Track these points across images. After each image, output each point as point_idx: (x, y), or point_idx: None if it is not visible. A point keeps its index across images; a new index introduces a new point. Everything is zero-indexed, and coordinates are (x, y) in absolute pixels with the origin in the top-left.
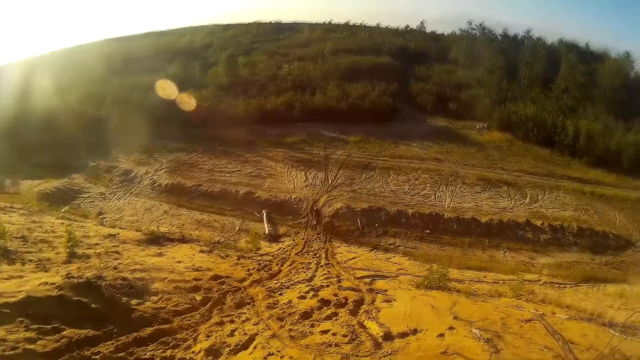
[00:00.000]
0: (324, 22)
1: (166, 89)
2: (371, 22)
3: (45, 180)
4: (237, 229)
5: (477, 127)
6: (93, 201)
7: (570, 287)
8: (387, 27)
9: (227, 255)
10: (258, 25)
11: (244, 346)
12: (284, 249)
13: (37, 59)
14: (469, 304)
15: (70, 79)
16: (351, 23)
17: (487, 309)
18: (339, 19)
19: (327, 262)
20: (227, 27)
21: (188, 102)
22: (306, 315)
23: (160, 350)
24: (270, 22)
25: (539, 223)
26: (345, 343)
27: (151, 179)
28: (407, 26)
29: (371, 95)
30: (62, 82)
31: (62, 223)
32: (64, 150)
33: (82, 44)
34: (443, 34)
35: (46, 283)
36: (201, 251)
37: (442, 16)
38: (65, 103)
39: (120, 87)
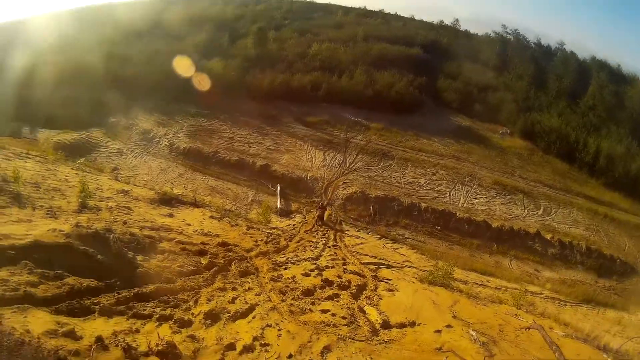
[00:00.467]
0: (358, 7)
1: (191, 55)
2: (405, 13)
3: (64, 131)
4: (249, 199)
5: (500, 131)
6: (109, 156)
7: (571, 305)
8: (421, 20)
9: (237, 224)
10: (291, 2)
11: (243, 314)
12: (294, 225)
13: (64, 13)
14: (469, 306)
15: (95, 36)
16: (385, 11)
17: (486, 313)
18: (373, 5)
19: (335, 243)
20: (259, 1)
21: (211, 70)
22: (308, 292)
23: (160, 308)
24: (303, 1)
25: (548, 236)
26: (343, 325)
27: (170, 140)
28: (441, 22)
29: (398, 85)
30: (86, 39)
31: (76, 174)
32: (85, 105)
33: (110, 3)
34: (477, 34)
35: (54, 230)
36: (212, 217)
37: (475, 17)
38: (89, 59)
39: (146, 49)
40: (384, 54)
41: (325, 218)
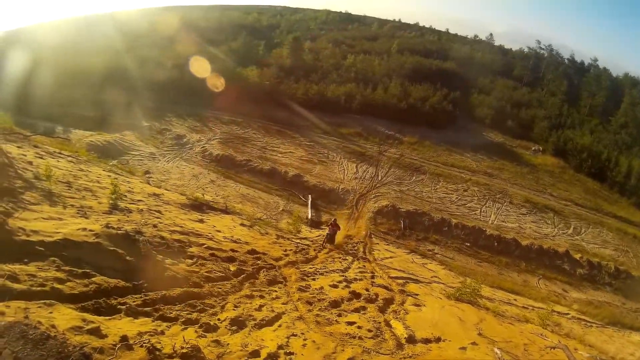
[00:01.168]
0: (393, 20)
1: (226, 62)
2: (440, 26)
3: (97, 132)
4: (280, 209)
5: (532, 148)
6: (142, 159)
7: (597, 327)
8: (455, 34)
9: (267, 233)
10: (327, 13)
11: (269, 322)
12: (323, 236)
13: (99, 17)
14: (495, 324)
15: (129, 41)
16: (420, 24)
17: (512, 332)
18: (408, 18)
19: (364, 256)
20: (295, 11)
21: (247, 78)
22: (335, 304)
23: (186, 312)
24: (339, 12)
25: (577, 256)
26: (369, 338)
27: (203, 147)
28: (476, 36)
29: (432, 99)
30: (120, 43)
31: (108, 175)
32: (118, 108)
33: (146, 8)
34: (511, 49)
35: (84, 229)
36: (242, 224)
37: (510, 31)
38: (122, 64)
39: (181, 55)
40: (418, 67)
41: (336, 240)
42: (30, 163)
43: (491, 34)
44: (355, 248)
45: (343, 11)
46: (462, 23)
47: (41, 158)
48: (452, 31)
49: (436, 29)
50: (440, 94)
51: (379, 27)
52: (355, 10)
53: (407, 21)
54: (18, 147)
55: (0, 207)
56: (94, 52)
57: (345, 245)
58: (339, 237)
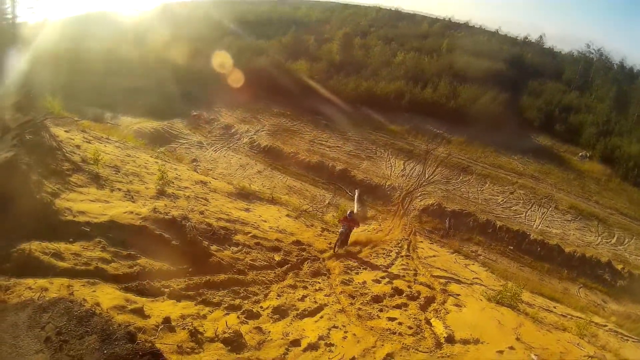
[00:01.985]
0: (444, 18)
1: (278, 55)
2: (491, 26)
3: (145, 119)
4: (326, 202)
5: (580, 154)
6: (189, 148)
7: (633, 341)
8: (506, 35)
9: (312, 225)
10: (378, 9)
11: (311, 313)
12: (368, 231)
13: (152, 9)
14: (533, 330)
15: (180, 32)
16: (471, 24)
17: (549, 339)
18: (459, 17)
19: (407, 254)
20: (346, 7)
21: (296, 72)
22: (377, 299)
23: (229, 298)
24: (390, 9)
25: (619, 267)
26: (409, 335)
27: (251, 137)
28: (526, 37)
29: (481, 99)
30: (174, 33)
31: (156, 162)
32: (168, 97)
33: (196, 1)
34: (560, 51)
35: (131, 212)
36: (288, 215)
37: (561, 33)
38: (172, 54)
39: (232, 46)
40: (468, 67)
41: (350, 241)
42: (78, 147)
43: (541, 36)
44: (400, 244)
45: (393, 8)
46: (514, 23)
47: (89, 143)
48: (502, 31)
49: (486, 28)
50: (490, 95)
51: (430, 25)
52: (405, 8)
53: (458, 20)
54: (66, 131)
55: (47, 187)
56: (145, 42)
57: (390, 241)
58: (360, 236)
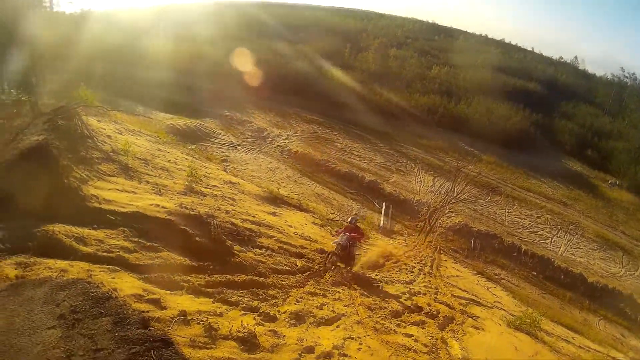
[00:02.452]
0: (479, 34)
1: (314, 61)
2: (526, 45)
3: (178, 116)
4: (353, 212)
5: (609, 181)
6: (220, 148)
7: None
8: (540, 54)
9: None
10: (414, 21)
11: (328, 322)
12: (393, 245)
13: (194, 7)
14: (549, 359)
15: (218, 31)
16: (506, 41)
17: None
18: (494, 34)
19: (430, 271)
20: (382, 17)
21: (331, 79)
22: (396, 314)
23: (247, 299)
24: (426, 22)
25: None
26: (424, 352)
27: (282, 142)
28: (561, 57)
29: (514, 119)
30: (211, 32)
31: (186, 158)
32: (202, 95)
33: (236, 2)
34: (594, 74)
35: (157, 205)
36: (314, 223)
37: (596, 56)
38: (211, 52)
39: (267, 50)
40: (503, 85)
41: (356, 259)
42: (110, 137)
43: (576, 57)
44: (424, 262)
45: (430, 21)
46: (549, 43)
47: (120, 134)
48: (537, 50)
49: (521, 47)
50: (522, 115)
51: (465, 40)
52: (442, 22)
53: (493, 37)
54: (98, 120)
55: (76, 173)
56: (182, 38)
57: (414, 257)
58: (371, 253)
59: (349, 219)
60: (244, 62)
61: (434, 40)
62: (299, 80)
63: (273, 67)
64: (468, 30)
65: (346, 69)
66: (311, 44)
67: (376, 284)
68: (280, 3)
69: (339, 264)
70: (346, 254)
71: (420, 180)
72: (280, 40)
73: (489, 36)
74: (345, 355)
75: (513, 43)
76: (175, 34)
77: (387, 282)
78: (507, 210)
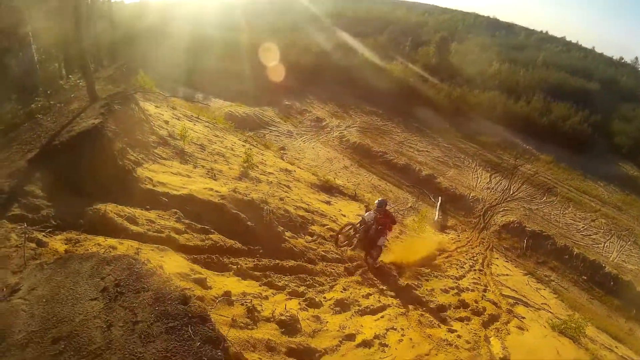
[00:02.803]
0: (541, 31)
1: (374, 54)
2: (586, 43)
3: (237, 103)
4: (408, 205)
5: None
6: (279, 136)
7: None
8: (601, 54)
9: None
10: (475, 16)
11: (373, 312)
12: (446, 240)
13: None
14: None
15: (277, 22)
16: (567, 39)
17: None
18: (555, 31)
19: (480, 268)
20: (444, 11)
21: (391, 72)
22: (441, 308)
23: (294, 284)
24: (487, 17)
25: None
26: (465, 349)
27: (341, 132)
28: (621, 58)
29: (572, 119)
30: (268, 22)
31: (243, 145)
32: (261, 84)
33: None
34: None
35: (211, 189)
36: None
37: None
38: (270, 42)
39: (327, 41)
40: (562, 83)
41: (375, 245)
42: (167, 122)
43: (637, 58)
44: (475, 258)
45: (491, 16)
46: (609, 43)
47: (177, 119)
48: (598, 49)
49: (582, 45)
50: (581, 115)
51: (526, 37)
52: (503, 17)
53: (554, 34)
54: (156, 106)
55: (131, 156)
56: (240, 29)
57: (466, 254)
58: (405, 249)
59: (377, 202)
60: (304, 54)
61: (495, 36)
62: (359, 72)
63: (332, 59)
64: (529, 27)
65: (406, 63)
66: (371, 38)
67: (398, 280)
68: None
69: (356, 249)
70: (368, 238)
71: (477, 177)
72: (341, 32)
73: (550, 33)
74: (385, 345)
75: (574, 41)
76: (232, 24)
77: (436, 276)
78: (561, 212)
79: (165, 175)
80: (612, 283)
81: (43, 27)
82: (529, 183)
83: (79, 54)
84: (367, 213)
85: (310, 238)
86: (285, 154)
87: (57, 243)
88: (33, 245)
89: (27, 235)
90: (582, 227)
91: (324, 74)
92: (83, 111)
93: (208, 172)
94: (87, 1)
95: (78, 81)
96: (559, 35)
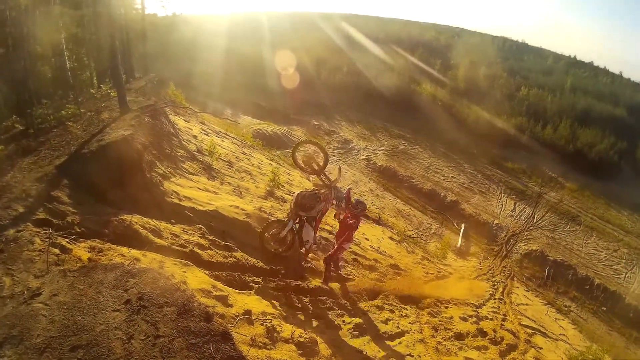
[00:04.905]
0: (569, 56)
1: (403, 76)
2: (613, 68)
3: (266, 122)
4: (432, 231)
5: None
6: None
7: None
8: (628, 79)
9: (413, 252)
10: (504, 40)
11: (391, 337)
12: (467, 267)
13: (280, 14)
14: None
15: (308, 40)
16: (595, 64)
17: None
18: (583, 56)
19: (501, 297)
20: (472, 34)
21: (420, 95)
22: (459, 336)
23: (314, 306)
24: (516, 41)
25: None
26: None
27: (368, 155)
28: None
29: (599, 146)
30: (300, 41)
31: (270, 163)
32: (290, 103)
33: (326, 12)
34: None
35: (237, 207)
36: (391, 238)
37: None
38: (301, 62)
39: (356, 62)
40: (589, 109)
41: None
42: (195, 137)
43: None
44: (495, 287)
45: (520, 40)
46: (636, 66)
47: (206, 135)
48: (625, 75)
49: (610, 70)
50: (608, 142)
51: (554, 61)
52: (531, 41)
53: (582, 59)
54: (185, 120)
55: (159, 169)
56: (272, 44)
57: (487, 282)
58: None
59: (345, 193)
60: (334, 72)
61: (524, 60)
62: (388, 94)
63: (362, 79)
64: (557, 51)
65: (435, 86)
66: (402, 58)
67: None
68: (371, 16)
69: (271, 242)
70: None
71: (502, 204)
72: (370, 52)
73: (578, 58)
74: None
75: (601, 66)
76: (263, 40)
77: (455, 304)
78: (584, 241)
79: (191, 190)
80: (631, 315)
81: (76, 35)
82: (553, 211)
83: (111, 64)
84: (335, 190)
85: None
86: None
87: (81, 250)
88: (57, 250)
89: (51, 241)
90: (604, 257)
91: (353, 94)
92: (114, 121)
93: (235, 189)
94: (121, 11)
95: (109, 91)
96: (586, 60)
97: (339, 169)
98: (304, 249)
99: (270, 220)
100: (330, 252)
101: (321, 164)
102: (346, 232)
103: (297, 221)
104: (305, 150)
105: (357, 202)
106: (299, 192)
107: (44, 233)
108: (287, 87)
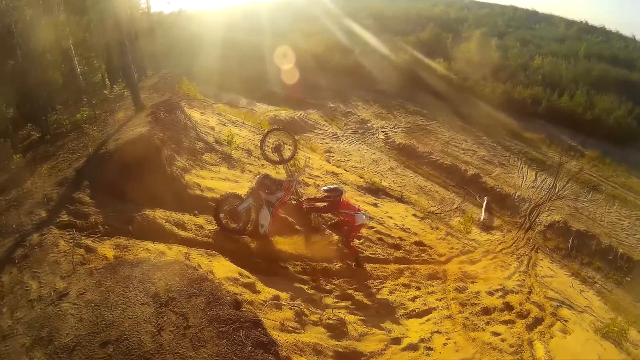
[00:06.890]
0: (580, 21)
1: (415, 53)
2: (626, 32)
3: (282, 108)
4: (455, 206)
5: None
6: (324, 139)
7: None
8: None
9: (437, 228)
10: (514, 9)
11: (419, 315)
12: (491, 241)
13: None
14: None
15: (316, 25)
16: (607, 28)
17: None
18: (594, 21)
19: (526, 270)
20: (482, 5)
21: (434, 71)
22: (486, 311)
23: (342, 287)
24: (526, 9)
25: None
26: (509, 353)
27: (386, 134)
28: None
29: (617, 112)
30: (309, 26)
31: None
32: (305, 87)
33: None
34: None
35: None
36: (414, 215)
37: None
38: (312, 47)
39: (366, 42)
40: (605, 75)
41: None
42: (212, 128)
43: None
44: (520, 259)
45: (530, 8)
46: None
47: (223, 125)
48: (638, 38)
49: (622, 34)
50: (625, 108)
51: (566, 28)
52: (541, 9)
53: (593, 23)
54: (201, 113)
55: (179, 162)
56: (279, 34)
57: (511, 255)
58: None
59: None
60: (345, 56)
61: (535, 29)
62: (401, 72)
63: (374, 60)
64: (568, 17)
65: (448, 61)
66: (412, 36)
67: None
68: None
69: (229, 223)
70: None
71: (523, 175)
72: (382, 32)
73: (590, 23)
74: (430, 349)
75: (613, 30)
76: (270, 29)
77: (482, 278)
78: (607, 210)
79: (213, 181)
80: None
81: (84, 40)
82: (574, 180)
83: (123, 64)
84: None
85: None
86: (331, 156)
87: (106, 248)
88: (82, 251)
89: (75, 241)
90: (627, 225)
91: (368, 75)
92: (129, 120)
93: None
94: (127, 12)
95: (122, 91)
96: (598, 24)
97: (305, 161)
98: (261, 232)
99: (225, 193)
100: (347, 238)
101: (289, 154)
102: (345, 225)
103: (258, 201)
104: (276, 139)
105: (328, 189)
106: (264, 173)
107: (68, 235)
108: (300, 73)
